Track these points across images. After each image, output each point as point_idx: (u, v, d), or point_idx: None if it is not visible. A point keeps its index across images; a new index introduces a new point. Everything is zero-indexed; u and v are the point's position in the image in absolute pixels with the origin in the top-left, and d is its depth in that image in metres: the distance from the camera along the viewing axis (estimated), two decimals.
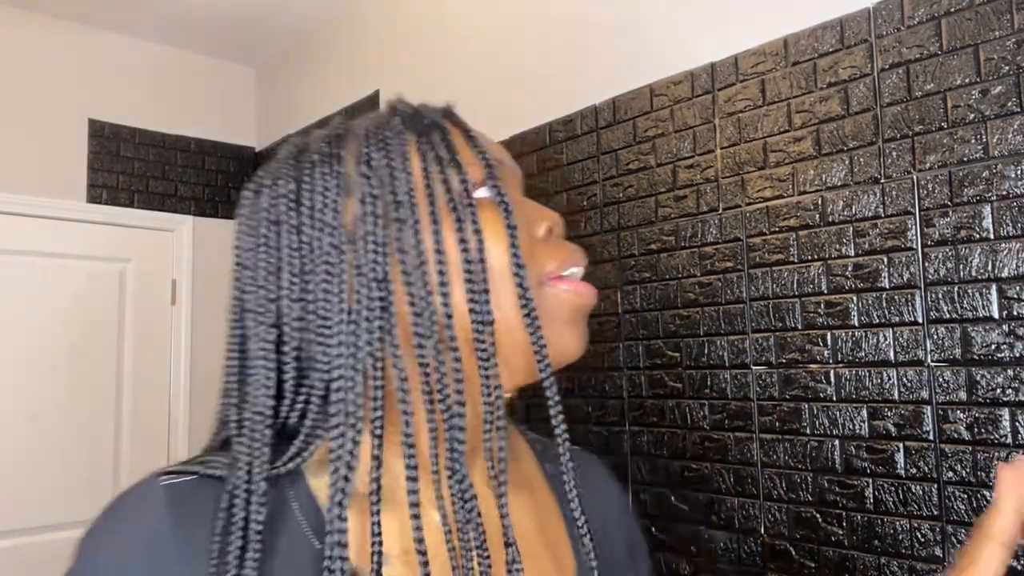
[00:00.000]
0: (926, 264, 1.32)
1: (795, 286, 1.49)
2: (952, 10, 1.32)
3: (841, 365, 1.42)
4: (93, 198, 2.93)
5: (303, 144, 0.55)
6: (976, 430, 1.25)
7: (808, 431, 1.46)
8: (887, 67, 1.39)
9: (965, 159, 1.29)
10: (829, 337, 1.44)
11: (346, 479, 0.45)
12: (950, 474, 1.27)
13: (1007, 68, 1.25)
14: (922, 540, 1.30)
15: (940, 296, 1.30)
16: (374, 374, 0.47)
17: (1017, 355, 1.21)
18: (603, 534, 0.60)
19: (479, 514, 0.48)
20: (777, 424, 1.50)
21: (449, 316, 0.49)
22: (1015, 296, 1.22)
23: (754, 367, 1.55)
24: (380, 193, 0.50)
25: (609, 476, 0.68)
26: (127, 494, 0.47)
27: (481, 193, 0.52)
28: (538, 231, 0.54)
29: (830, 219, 1.45)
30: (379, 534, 0.45)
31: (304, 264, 0.50)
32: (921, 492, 1.31)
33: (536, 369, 0.50)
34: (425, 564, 0.45)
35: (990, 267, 1.25)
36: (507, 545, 0.48)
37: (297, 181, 0.52)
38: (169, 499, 0.46)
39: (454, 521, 0.48)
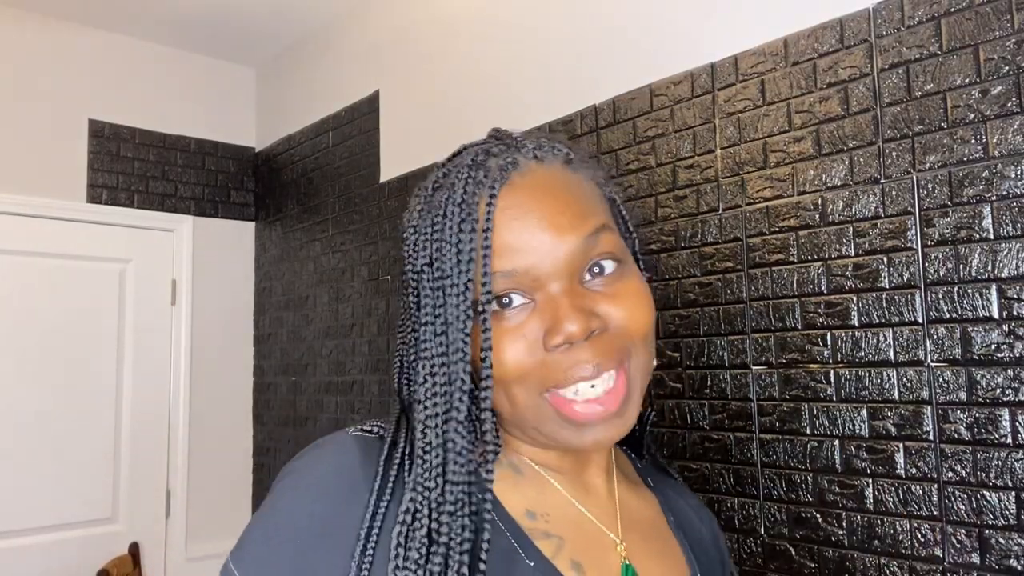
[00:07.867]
0: (926, 264, 1.32)
1: (795, 286, 1.49)
2: (952, 10, 1.32)
3: (841, 365, 1.42)
4: (93, 198, 2.93)
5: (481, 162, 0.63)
6: (976, 430, 1.25)
7: (808, 431, 1.46)
8: (887, 67, 1.39)
9: (965, 159, 1.29)
10: (829, 337, 1.44)
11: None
12: (950, 474, 1.27)
13: (1007, 68, 1.25)
14: (922, 540, 1.30)
15: (940, 296, 1.30)
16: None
17: (1017, 355, 1.21)
18: (702, 547, 0.69)
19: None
20: (777, 424, 1.50)
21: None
22: (1015, 296, 1.22)
23: (754, 367, 1.55)
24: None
25: (700, 500, 0.77)
26: (321, 442, 0.60)
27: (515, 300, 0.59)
28: (551, 341, 0.57)
29: (830, 219, 1.45)
30: None
31: None
32: (921, 492, 1.31)
33: (558, 440, 0.60)
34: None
35: (990, 267, 1.25)
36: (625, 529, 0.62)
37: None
38: (358, 446, 0.58)
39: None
